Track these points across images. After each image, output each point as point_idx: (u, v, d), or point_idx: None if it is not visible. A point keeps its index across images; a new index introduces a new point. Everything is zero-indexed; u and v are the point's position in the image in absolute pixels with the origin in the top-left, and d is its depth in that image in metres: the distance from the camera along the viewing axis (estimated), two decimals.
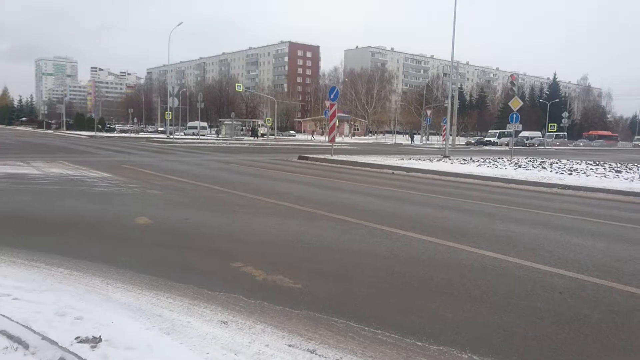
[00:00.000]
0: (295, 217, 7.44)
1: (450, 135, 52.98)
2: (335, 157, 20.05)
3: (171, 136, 50.64)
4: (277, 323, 3.47)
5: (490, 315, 3.73)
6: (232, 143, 40.68)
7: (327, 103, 39.92)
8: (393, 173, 15.83)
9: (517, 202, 10.11)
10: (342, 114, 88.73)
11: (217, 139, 51.32)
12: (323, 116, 78.53)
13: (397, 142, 61.15)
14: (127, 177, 12.18)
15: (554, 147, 60.20)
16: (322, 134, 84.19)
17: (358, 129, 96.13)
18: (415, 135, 64.94)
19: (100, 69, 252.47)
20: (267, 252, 5.38)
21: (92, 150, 25.18)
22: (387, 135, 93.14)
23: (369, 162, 18.46)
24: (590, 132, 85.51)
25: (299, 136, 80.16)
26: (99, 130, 64.32)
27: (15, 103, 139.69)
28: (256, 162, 19.27)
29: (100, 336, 3.06)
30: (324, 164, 18.94)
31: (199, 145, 35.32)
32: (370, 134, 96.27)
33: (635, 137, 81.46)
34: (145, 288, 4.10)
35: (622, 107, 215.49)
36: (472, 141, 60.81)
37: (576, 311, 3.87)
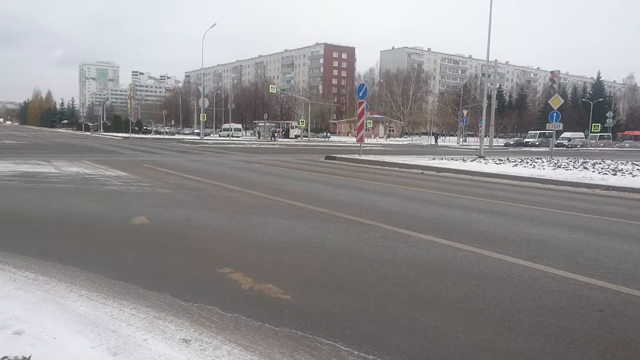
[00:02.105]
0: (306, 218, 6.87)
1: (487, 136, 51.51)
2: (363, 157, 19.37)
3: (204, 138, 50.84)
4: (250, 343, 2.90)
5: (511, 338, 3.06)
6: (262, 144, 40.45)
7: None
8: (422, 173, 15.06)
9: (554, 203, 9.25)
10: (377, 115, 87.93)
11: (248, 140, 51.27)
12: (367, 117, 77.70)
13: (432, 143, 59.87)
14: (143, 175, 11.88)
15: (597, 148, 57.62)
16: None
17: (393, 131, 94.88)
18: (440, 137, 63.38)
19: (141, 73, 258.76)
20: (264, 256, 4.82)
21: (120, 150, 25.28)
22: (422, 136, 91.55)
23: (398, 162, 17.71)
24: (625, 132, 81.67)
25: (334, 137, 79.59)
26: (134, 132, 65.40)
27: (58, 106, 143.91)
28: (282, 162, 18.80)
29: (30, 357, 2.56)
30: (351, 164, 18.29)
31: (229, 146, 35.21)
32: (405, 136, 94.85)
33: (626, 140, 76.33)
34: (111, 297, 3.60)
35: None
36: (511, 142, 58.64)
37: (619, 335, 3.16)
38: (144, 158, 19.16)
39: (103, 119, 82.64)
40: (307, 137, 66.06)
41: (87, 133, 71.65)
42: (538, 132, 60.59)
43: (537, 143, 55.79)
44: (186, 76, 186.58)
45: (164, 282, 3.97)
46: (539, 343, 3.00)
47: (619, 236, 6.29)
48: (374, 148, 38.51)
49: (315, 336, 3.01)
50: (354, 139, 64.61)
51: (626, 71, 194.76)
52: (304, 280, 4.10)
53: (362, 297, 3.74)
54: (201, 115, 53.65)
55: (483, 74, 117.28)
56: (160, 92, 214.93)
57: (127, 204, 7.65)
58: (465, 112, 56.17)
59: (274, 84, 77.34)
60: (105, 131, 74.09)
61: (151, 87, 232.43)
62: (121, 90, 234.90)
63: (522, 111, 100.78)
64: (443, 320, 3.32)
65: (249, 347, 2.85)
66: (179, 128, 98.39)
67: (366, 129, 78.43)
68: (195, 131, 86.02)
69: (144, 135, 64.18)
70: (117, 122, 77.25)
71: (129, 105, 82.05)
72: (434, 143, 59.66)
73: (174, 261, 4.61)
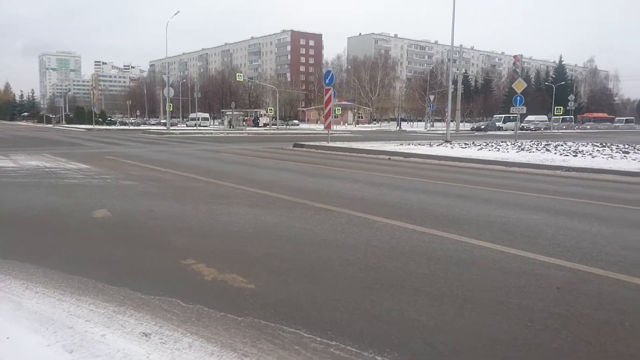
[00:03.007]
0: (273, 206, 6.83)
1: (453, 120, 52.18)
2: (331, 144, 19.37)
3: (171, 128, 50.01)
4: (211, 334, 2.86)
5: (472, 319, 3.11)
6: (230, 133, 40.05)
7: None
8: (389, 159, 15.16)
9: (517, 185, 9.44)
10: (345, 102, 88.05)
11: (216, 130, 50.69)
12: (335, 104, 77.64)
13: (402, 129, 60.35)
14: (106, 167, 11.61)
15: (560, 131, 59.11)
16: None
17: (362, 117, 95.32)
18: (403, 122, 64.15)
19: (104, 63, 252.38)
20: (228, 246, 4.77)
21: (82, 142, 24.65)
22: (391, 122, 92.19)
23: (366, 148, 17.78)
24: (586, 115, 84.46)
25: (303, 125, 79.39)
26: (99, 123, 63.86)
27: (18, 99, 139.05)
28: (250, 150, 18.65)
29: None
30: (319, 151, 18.27)
31: (196, 135, 34.73)
32: (374, 122, 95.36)
33: (617, 118, 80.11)
34: (68, 293, 3.50)
35: (629, 89, 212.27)
36: (482, 126, 59.48)
37: (576, 311, 3.24)
38: (107, 150, 18.73)
39: (65, 111, 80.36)
40: (276, 125, 65.67)
41: (48, 125, 69.59)
42: (503, 115, 61.71)
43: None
44: (151, 65, 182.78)
45: (125, 275, 3.89)
46: (498, 322, 3.05)
47: (578, 216, 6.46)
48: (343, 135, 38.57)
49: (278, 324, 2.99)
50: (323, 126, 64.64)
51: (587, 55, 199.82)
52: (269, 269, 4.07)
53: (327, 283, 3.74)
54: (167, 105, 52.76)
55: (449, 60, 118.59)
56: (124, 82, 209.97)
57: (88, 197, 7.46)
58: (432, 97, 56.79)
59: (241, 72, 76.55)
60: (67, 123, 72.10)
61: (115, 77, 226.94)
62: (83, 81, 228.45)
63: (487, 95, 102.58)
64: (406, 303, 3.34)
65: (211, 338, 2.81)
66: (145, 118, 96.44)
67: (334, 115, 78.64)
68: (161, 121, 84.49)
69: (108, 127, 62.78)
70: (80, 114, 75.28)
71: (92, 96, 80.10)
72: (397, 129, 60.35)
73: (136, 254, 4.52)
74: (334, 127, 67.69)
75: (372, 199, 7.53)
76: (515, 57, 29.81)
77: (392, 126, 71.61)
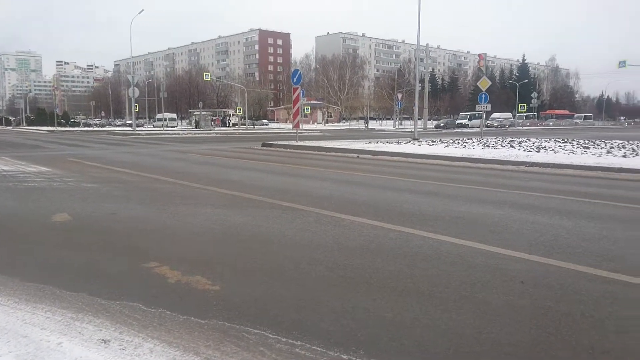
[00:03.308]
0: (240, 207, 6.75)
1: (421, 118, 52.76)
2: (300, 143, 19.33)
3: (137, 129, 49.10)
4: (173, 339, 2.79)
5: (438, 314, 3.11)
6: (198, 133, 39.56)
7: None
8: (358, 157, 15.22)
9: (482, 181, 9.58)
10: (314, 101, 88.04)
11: (183, 130, 50.03)
12: (303, 103, 77.42)
13: (370, 127, 60.69)
14: (67, 170, 11.29)
15: (524, 127, 60.46)
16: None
17: (331, 116, 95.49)
18: (369, 121, 64.82)
19: (66, 63, 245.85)
20: (193, 248, 4.68)
21: (44, 144, 23.93)
22: (360, 121, 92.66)
23: (334, 146, 17.80)
24: (548, 112, 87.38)
25: (272, 125, 79.06)
26: (62, 125, 62.21)
27: None
28: (217, 151, 18.44)
29: None
30: (288, 150, 18.20)
31: (163, 136, 34.17)
32: (343, 121, 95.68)
33: (576, 115, 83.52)
34: (24, 300, 3.37)
35: (589, 87, 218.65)
36: (442, 124, 60.26)
37: (539, 304, 3.29)
38: (69, 152, 18.24)
39: (26, 112, 77.99)
40: (245, 125, 65.21)
41: (8, 128, 67.38)
42: (469, 113, 62.74)
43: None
44: (115, 65, 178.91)
45: (84, 281, 3.77)
46: (463, 317, 3.07)
47: (541, 210, 6.58)
48: (312, 134, 38.56)
49: (243, 326, 2.94)
50: (292, 125, 64.41)
51: (548, 54, 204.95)
52: (235, 270, 4.01)
53: (293, 283, 3.70)
54: (132, 105, 51.80)
55: (416, 59, 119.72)
56: (88, 82, 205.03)
57: (48, 201, 7.23)
58: (400, 95, 57.28)
59: (208, 72, 75.73)
60: (28, 125, 69.95)
61: (78, 77, 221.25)
62: (45, 82, 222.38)
63: (454, 94, 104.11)
64: (372, 300, 3.33)
65: (173, 342, 2.74)
66: (110, 119, 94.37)
67: (304, 115, 78.59)
68: (127, 122, 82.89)
69: (71, 128, 61.11)
70: (42, 115, 73.10)
71: (54, 97, 77.98)
72: (365, 127, 60.83)
73: (97, 259, 4.39)
74: (304, 127, 67.70)
75: (340, 197, 7.53)
76: (479, 55, 30.34)
77: (362, 125, 71.91)
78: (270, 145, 19.80)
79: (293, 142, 19.75)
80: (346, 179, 9.90)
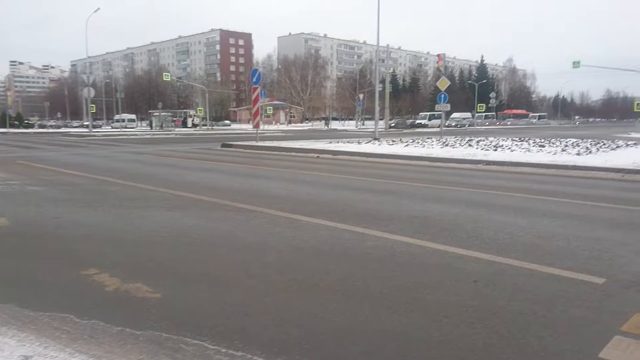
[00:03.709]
0: (192, 208, 6.51)
1: (382, 119, 53.17)
2: (260, 144, 19.09)
3: (94, 130, 47.67)
4: (104, 353, 2.58)
5: (388, 318, 3.00)
6: (157, 134, 38.74)
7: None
8: (318, 157, 15.11)
9: (440, 180, 9.61)
10: (277, 102, 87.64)
11: (142, 131, 48.89)
12: (264, 103, 76.82)
13: (332, 127, 60.79)
14: (13, 173, 10.75)
15: (483, 127, 61.74)
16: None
17: (294, 116, 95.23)
18: (330, 121, 65.07)
19: (20, 63, 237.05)
20: (137, 253, 4.44)
21: None
22: (323, 121, 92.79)
23: (295, 147, 17.65)
24: (505, 111, 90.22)
25: (235, 125, 78.29)
26: (14, 126, 59.79)
27: None
28: (175, 152, 18.00)
29: None
30: (248, 151, 17.93)
31: (120, 137, 33.27)
32: (306, 121, 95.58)
33: (531, 114, 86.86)
34: None
35: (546, 87, 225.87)
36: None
37: (491, 304, 3.22)
38: (19, 154, 17.47)
39: None
40: (206, 125, 64.30)
41: None
42: (428, 113, 63.69)
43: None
44: (72, 65, 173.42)
45: (14, 291, 3.50)
46: (413, 320, 2.97)
47: (497, 207, 6.61)
48: (274, 134, 38.29)
49: (181, 337, 2.75)
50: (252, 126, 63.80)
51: (506, 54, 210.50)
52: (179, 276, 3.80)
53: (240, 288, 3.53)
54: (88, 106, 50.26)
55: (377, 59, 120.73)
56: (44, 82, 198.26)
57: None
58: (361, 96, 57.55)
59: (168, 72, 74.30)
60: None
61: (33, 77, 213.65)
62: None
63: (415, 94, 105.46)
64: (321, 305, 3.19)
65: (102, 357, 2.53)
66: (66, 121, 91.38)
67: (267, 115, 78.05)
68: (84, 123, 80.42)
69: (25, 130, 58.87)
70: None
71: (7, 98, 74.76)
72: (326, 127, 61.06)
73: (32, 266, 4.10)
74: (266, 127, 67.24)
75: (297, 198, 7.38)
76: (438, 56, 30.74)
77: (324, 125, 71.97)
78: (230, 145, 19.48)
79: (253, 143, 19.50)
80: (304, 179, 9.76)
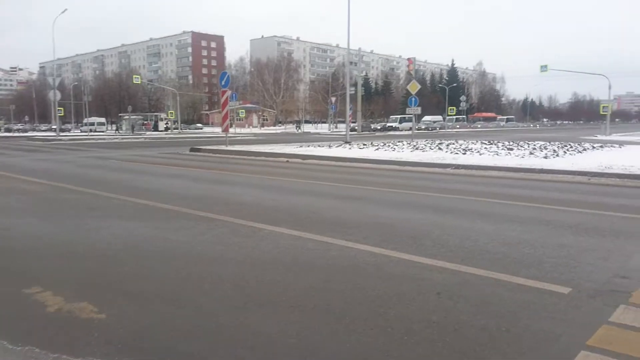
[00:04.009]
0: (151, 218, 6.26)
1: (354, 122, 53.26)
2: (230, 148, 18.80)
3: (62, 134, 46.45)
4: None
5: (346, 337, 2.84)
6: (126, 138, 37.97)
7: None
8: (287, 161, 14.93)
9: (409, 185, 9.53)
10: (249, 105, 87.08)
11: (111, 135, 47.91)
12: (236, 106, 76.25)
13: (305, 130, 60.61)
14: None
15: (454, 130, 62.45)
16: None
17: (267, 120, 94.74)
18: (302, 124, 65.14)
19: None
20: (86, 268, 4.19)
21: None
22: (296, 124, 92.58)
23: (265, 151, 17.42)
24: (475, 114, 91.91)
25: (207, 129, 77.45)
26: None
27: None
28: (141, 157, 17.57)
29: None
30: (217, 155, 17.62)
31: (88, 142, 32.46)
32: (279, 124, 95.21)
33: (499, 117, 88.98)
34: None
35: (515, 90, 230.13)
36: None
37: (454, 318, 3.09)
38: None
39: None
40: (177, 129, 63.42)
41: None
42: (399, 116, 64.17)
43: (401, 127, 58.82)
44: (41, 67, 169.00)
45: None
46: (372, 338, 2.81)
47: (464, 213, 6.53)
48: (246, 138, 37.94)
49: None
50: (229, 130, 63.12)
51: (476, 58, 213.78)
52: (128, 295, 3.57)
53: (193, 306, 3.32)
54: (55, 109, 48.97)
55: (351, 62, 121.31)
56: (11, 85, 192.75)
57: None
58: (334, 99, 57.51)
59: (138, 74, 73.06)
60: None
61: (0, 80, 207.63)
62: None
63: (387, 97, 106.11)
64: (276, 324, 3.01)
65: None
66: (34, 124, 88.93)
67: (239, 118, 77.41)
68: (53, 127, 78.41)
69: None
70: None
71: None
72: (298, 131, 61.04)
73: None
74: (239, 131, 66.71)
75: (262, 205, 7.18)
76: (408, 59, 30.89)
77: (304, 128, 71.71)
78: (199, 150, 19.12)
79: (223, 147, 19.19)
80: (271, 185, 9.58)
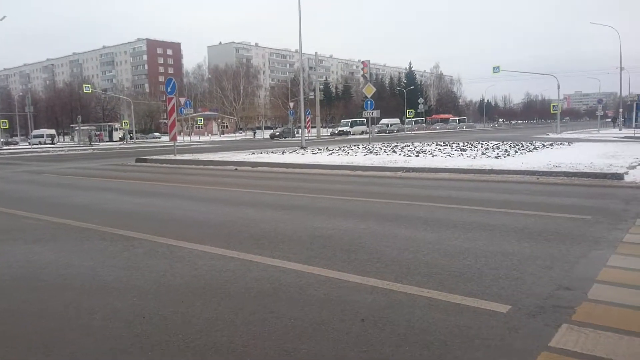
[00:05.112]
0: (60, 239, 5.60)
1: (314, 126, 53.08)
2: (178, 157, 18.04)
3: (5, 147, 44.37)
4: None
5: None
6: (72, 150, 36.45)
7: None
8: (236, 169, 14.33)
9: (356, 190, 9.12)
10: (208, 112, 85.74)
11: (60, 147, 46.03)
12: (193, 114, 74.93)
13: (265, 137, 59.93)
14: None
15: (413, 132, 62.92)
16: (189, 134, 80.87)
17: (227, 127, 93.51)
18: (260, 130, 64.87)
19: None
20: None
21: None
22: (257, 131, 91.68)
23: (215, 159, 16.75)
24: (434, 116, 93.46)
25: (165, 137, 75.66)
26: None
27: None
28: (82, 169, 16.62)
29: None
30: (163, 165, 16.84)
31: (28, 155, 30.87)
32: (240, 131, 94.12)
33: (451, 118, 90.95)
34: None
35: (471, 92, 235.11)
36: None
37: (375, 353, 2.64)
38: None
39: None
40: (133, 138, 61.70)
41: None
42: (350, 120, 64.42)
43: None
44: None
45: None
46: None
47: (406, 220, 6.12)
48: (202, 146, 37.00)
49: None
50: (187, 138, 61.90)
51: (433, 61, 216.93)
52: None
53: (67, 351, 2.76)
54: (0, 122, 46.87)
55: (310, 67, 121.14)
56: None
57: None
58: (292, 104, 57.08)
59: (89, 84, 70.72)
60: None
61: None
62: None
63: (347, 101, 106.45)
64: None
65: None
66: None
67: (198, 126, 75.95)
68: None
69: None
70: None
71: None
72: (254, 137, 60.75)
73: None
74: (198, 138, 65.37)
75: (193, 219, 6.61)
76: (363, 62, 30.74)
77: (258, 135, 70.78)
78: (145, 160, 18.27)
79: (171, 157, 18.41)
80: (210, 197, 8.99)
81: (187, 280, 3.97)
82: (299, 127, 79.31)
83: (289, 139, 50.14)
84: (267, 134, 66.13)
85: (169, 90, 18.41)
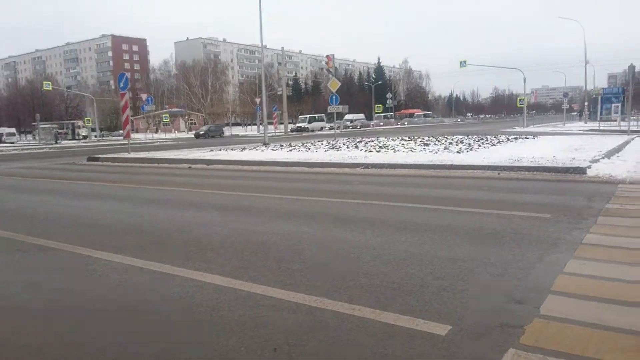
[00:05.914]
0: None
1: (282, 123, 52.48)
2: (132, 155, 17.26)
3: None
4: None
5: None
6: (27, 149, 34.95)
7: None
8: (190, 167, 13.69)
9: (308, 189, 8.65)
10: (175, 109, 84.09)
11: (16, 146, 44.30)
12: (159, 111, 73.25)
13: (233, 133, 58.90)
14: None
15: (380, 127, 62.77)
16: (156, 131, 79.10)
17: (195, 124, 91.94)
18: (235, 126, 62.63)
19: None
20: None
21: None
22: (225, 127, 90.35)
23: (169, 157, 16.05)
24: (402, 111, 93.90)
25: (137, 135, 73.83)
26: None
27: None
28: (29, 169, 15.71)
29: None
30: (115, 164, 16.03)
31: None
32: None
33: (416, 113, 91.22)
34: None
35: (440, 87, 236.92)
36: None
37: None
38: None
39: None
40: (97, 137, 59.93)
41: None
42: (308, 116, 63.96)
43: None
44: None
45: None
46: None
47: (353, 222, 5.65)
48: (164, 143, 35.94)
49: None
50: (152, 135, 60.39)
51: (402, 57, 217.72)
52: None
53: None
54: None
55: (279, 63, 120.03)
56: None
57: None
58: (258, 100, 56.22)
59: (49, 81, 68.40)
60: None
61: None
62: None
63: (316, 97, 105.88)
64: None
65: None
66: None
67: (164, 123, 74.36)
68: None
69: None
70: None
71: None
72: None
73: None
74: (164, 135, 63.95)
75: (124, 224, 6.01)
76: (327, 57, 30.28)
77: (227, 131, 69.58)
78: (96, 159, 17.39)
79: (125, 155, 17.59)
80: (152, 198, 8.36)
81: (89, 299, 3.44)
82: (269, 122, 78.51)
83: (217, 138, 44.69)
84: (235, 130, 65.13)
85: (121, 85, 17.58)
